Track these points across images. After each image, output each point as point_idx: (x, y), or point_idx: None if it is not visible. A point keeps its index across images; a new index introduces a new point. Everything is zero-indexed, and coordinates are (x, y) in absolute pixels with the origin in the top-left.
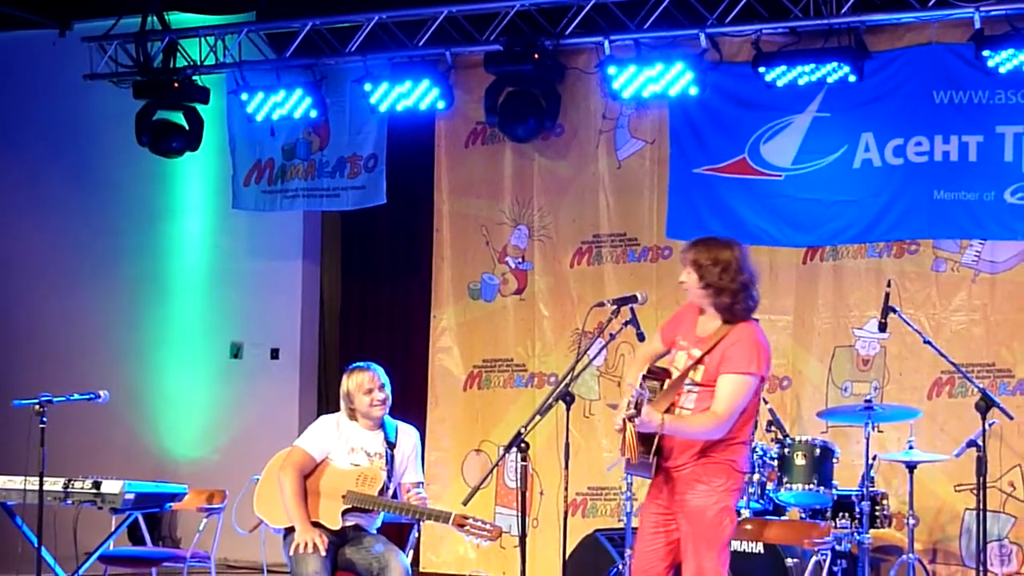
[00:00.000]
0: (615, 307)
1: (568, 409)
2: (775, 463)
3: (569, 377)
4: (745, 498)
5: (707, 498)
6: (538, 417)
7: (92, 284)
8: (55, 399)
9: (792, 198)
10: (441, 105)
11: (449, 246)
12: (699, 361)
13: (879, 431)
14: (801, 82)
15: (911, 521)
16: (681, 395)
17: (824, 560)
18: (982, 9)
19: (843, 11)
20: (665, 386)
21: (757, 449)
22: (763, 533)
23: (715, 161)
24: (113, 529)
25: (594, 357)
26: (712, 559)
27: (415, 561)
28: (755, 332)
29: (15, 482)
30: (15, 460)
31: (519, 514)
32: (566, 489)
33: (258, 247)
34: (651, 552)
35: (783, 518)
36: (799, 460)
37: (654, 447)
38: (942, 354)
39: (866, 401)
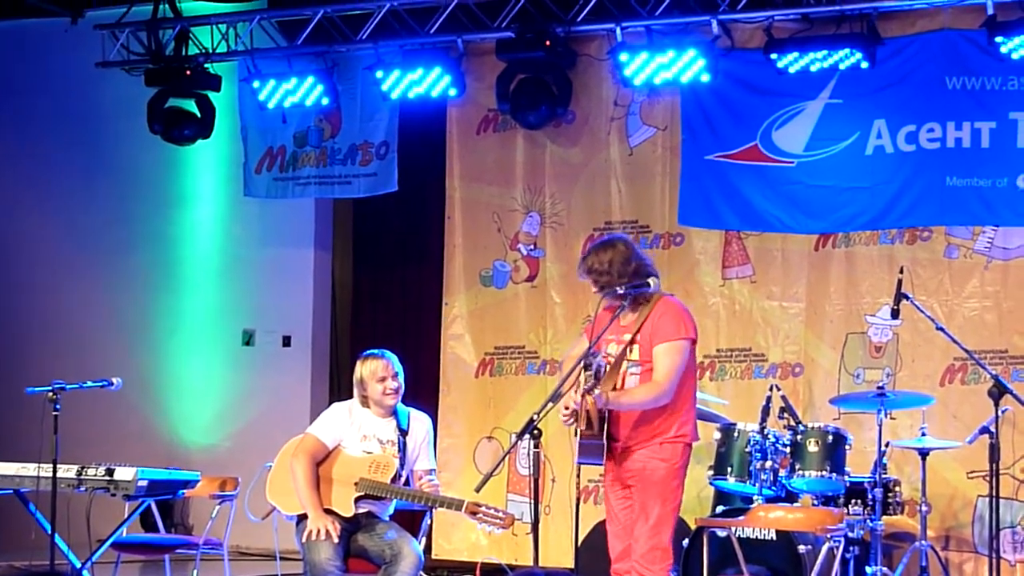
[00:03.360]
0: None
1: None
2: (788, 450)
3: (581, 365)
4: (758, 485)
5: (663, 471)
6: (550, 404)
7: (104, 272)
8: (68, 386)
9: (804, 185)
10: (453, 92)
11: (461, 233)
12: (632, 342)
13: (891, 418)
14: (813, 68)
15: (924, 508)
16: (624, 377)
17: (837, 547)
18: None
19: None
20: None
21: (770, 436)
22: (776, 520)
23: (727, 148)
24: (126, 516)
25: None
26: (665, 512)
27: (427, 548)
28: (674, 303)
29: (28, 469)
30: (28, 447)
31: (531, 501)
32: (578, 476)
33: (270, 234)
34: (624, 528)
35: (796, 505)
36: (812, 447)
37: (604, 428)
38: (955, 340)
39: (878, 388)
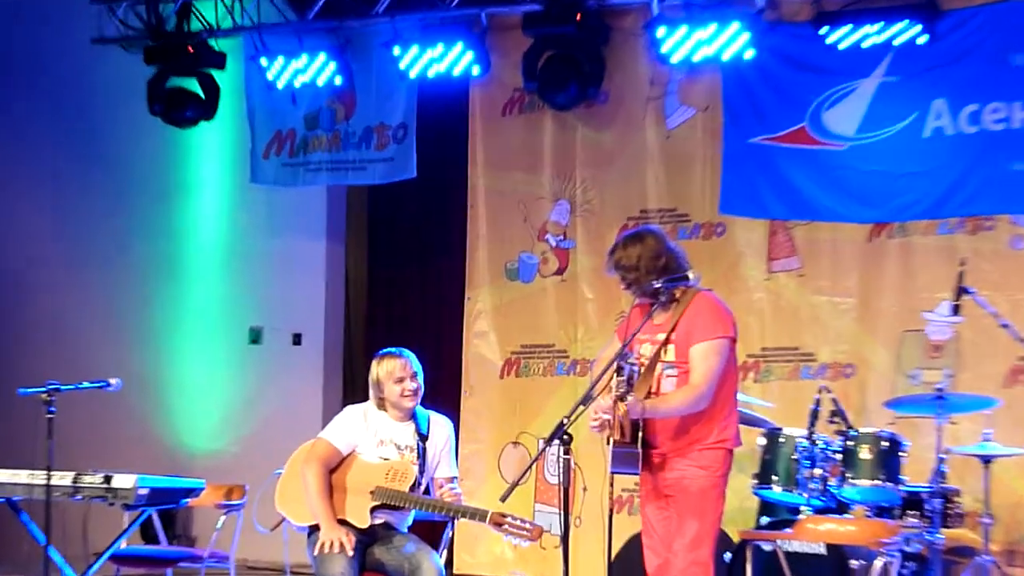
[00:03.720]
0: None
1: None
2: (838, 457)
3: (613, 368)
4: (806, 495)
5: (702, 480)
6: (581, 407)
7: (101, 265)
8: (63, 387)
9: (856, 170)
10: (476, 71)
11: (484, 223)
12: (667, 341)
13: (952, 422)
14: (866, 44)
15: (986, 520)
16: (660, 380)
17: (892, 562)
18: None
19: None
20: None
21: (819, 442)
22: (826, 533)
23: (772, 130)
24: (125, 527)
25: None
26: (706, 525)
27: (448, 562)
28: (711, 298)
29: (21, 476)
30: (21, 453)
31: (561, 512)
32: (611, 485)
33: (278, 225)
34: (661, 542)
35: (847, 516)
36: (864, 454)
37: (639, 436)
38: (1021, 339)
39: (937, 389)
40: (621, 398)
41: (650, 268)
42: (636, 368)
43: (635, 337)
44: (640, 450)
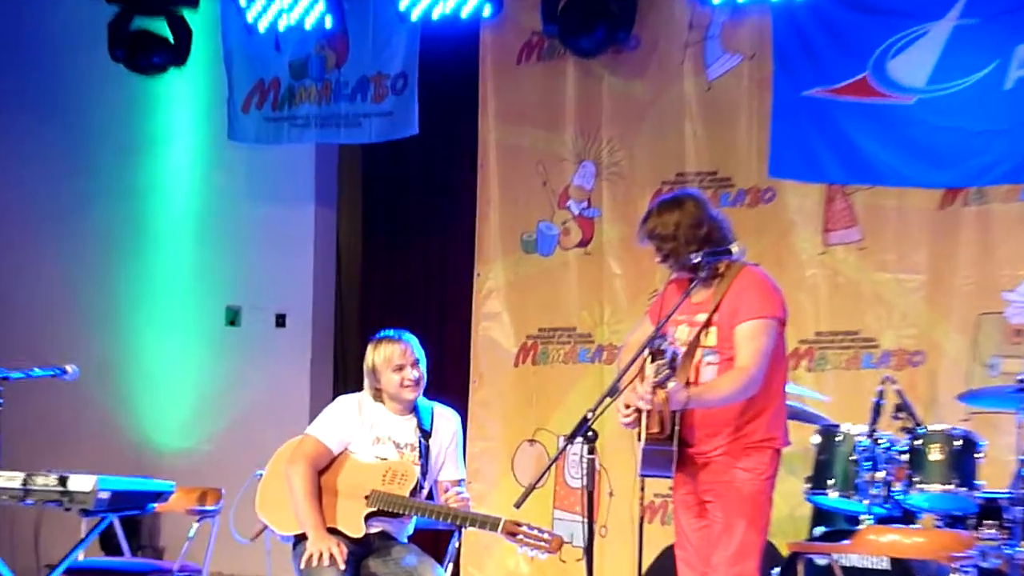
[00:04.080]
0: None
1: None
2: (904, 458)
3: (646, 352)
4: (867, 501)
5: (747, 484)
6: (608, 400)
7: (55, 234)
8: (12, 375)
9: (927, 126)
10: (487, 11)
11: (497, 188)
12: (708, 324)
13: None
14: None
15: None
16: (699, 368)
17: None
18: None
19: None
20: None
21: (882, 441)
22: (889, 545)
23: (830, 81)
24: (83, 535)
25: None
26: (752, 535)
27: None
28: (759, 274)
29: None
30: None
31: (584, 520)
32: (642, 490)
33: (260, 188)
34: (698, 555)
35: (914, 527)
36: (934, 455)
37: (675, 432)
38: None
39: (1019, 381)
40: (662, 384)
41: (690, 238)
42: (679, 350)
43: (670, 318)
44: (676, 448)
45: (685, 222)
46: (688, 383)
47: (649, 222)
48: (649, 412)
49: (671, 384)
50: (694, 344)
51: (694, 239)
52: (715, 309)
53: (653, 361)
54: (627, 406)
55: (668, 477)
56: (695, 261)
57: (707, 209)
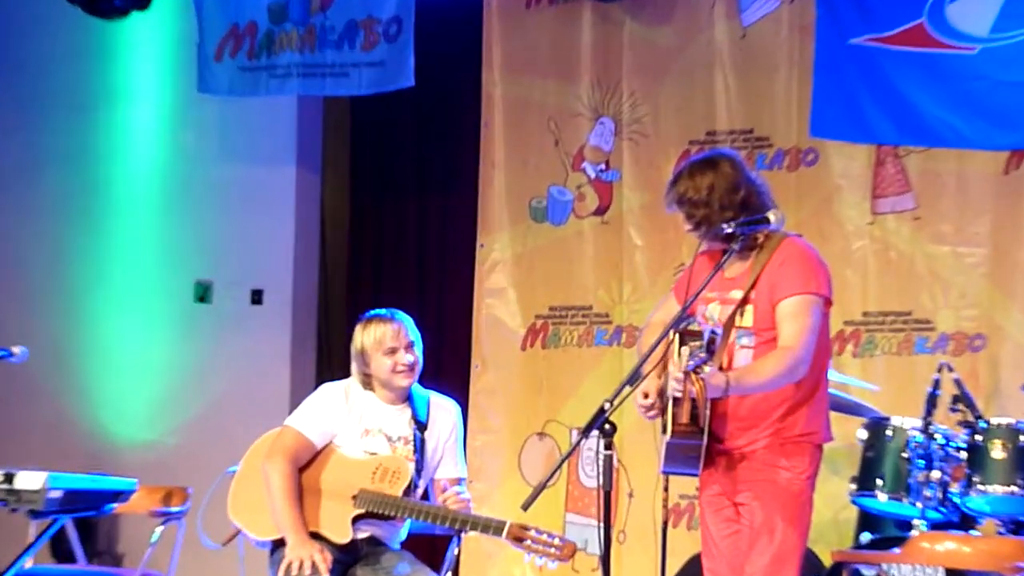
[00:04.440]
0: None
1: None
2: (963, 456)
3: (673, 334)
4: (920, 504)
5: (784, 484)
6: (628, 388)
7: (3, 200)
8: None
9: (990, 81)
10: None
11: (502, 147)
12: (744, 301)
13: None
14: None
15: None
16: (732, 352)
17: None
18: None
19: None
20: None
21: (938, 436)
22: (946, 554)
23: (881, 28)
24: (32, 540)
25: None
26: (792, 540)
27: None
28: (802, 246)
29: None
30: None
31: (601, 525)
32: (665, 490)
33: (234, 147)
34: (728, 564)
35: (973, 533)
36: (997, 452)
37: (706, 423)
38: None
39: None
40: (697, 368)
41: (725, 203)
42: (718, 330)
43: (700, 295)
44: (706, 441)
45: (720, 185)
46: (721, 368)
47: (679, 185)
48: (677, 400)
49: (707, 368)
50: (728, 324)
51: (730, 205)
52: (752, 285)
53: (683, 343)
54: (645, 395)
55: (694, 475)
56: (728, 231)
57: (744, 171)
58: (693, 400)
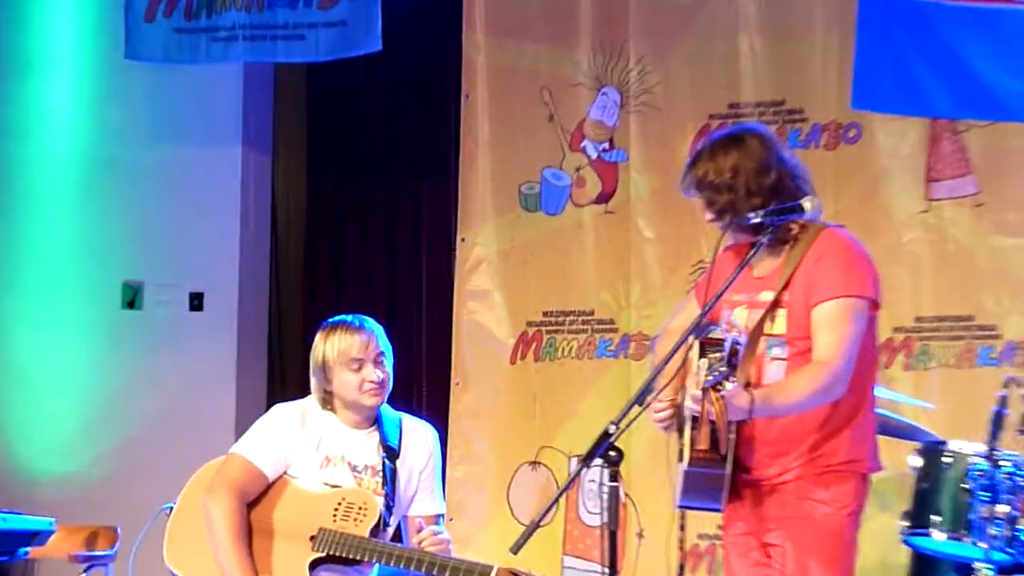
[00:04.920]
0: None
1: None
2: None
3: (691, 342)
4: (984, 544)
5: (824, 520)
6: (637, 408)
7: None
8: None
9: None
10: None
11: (488, 123)
12: (775, 305)
13: None
14: None
15: None
16: (762, 365)
17: None
18: None
19: None
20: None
21: (1005, 463)
22: None
23: None
24: None
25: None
26: None
27: None
28: (844, 239)
29: None
30: None
31: (605, 570)
32: (682, 528)
33: (169, 125)
34: None
35: None
36: None
37: (730, 450)
38: None
39: None
40: (717, 384)
41: (752, 188)
42: (741, 340)
43: (722, 296)
44: (730, 470)
45: (746, 166)
46: (748, 384)
47: (698, 167)
48: (695, 421)
49: (729, 385)
50: (756, 332)
51: (758, 190)
52: (785, 285)
53: (703, 354)
54: (658, 405)
55: (716, 510)
56: (755, 221)
57: (775, 150)
58: (712, 423)
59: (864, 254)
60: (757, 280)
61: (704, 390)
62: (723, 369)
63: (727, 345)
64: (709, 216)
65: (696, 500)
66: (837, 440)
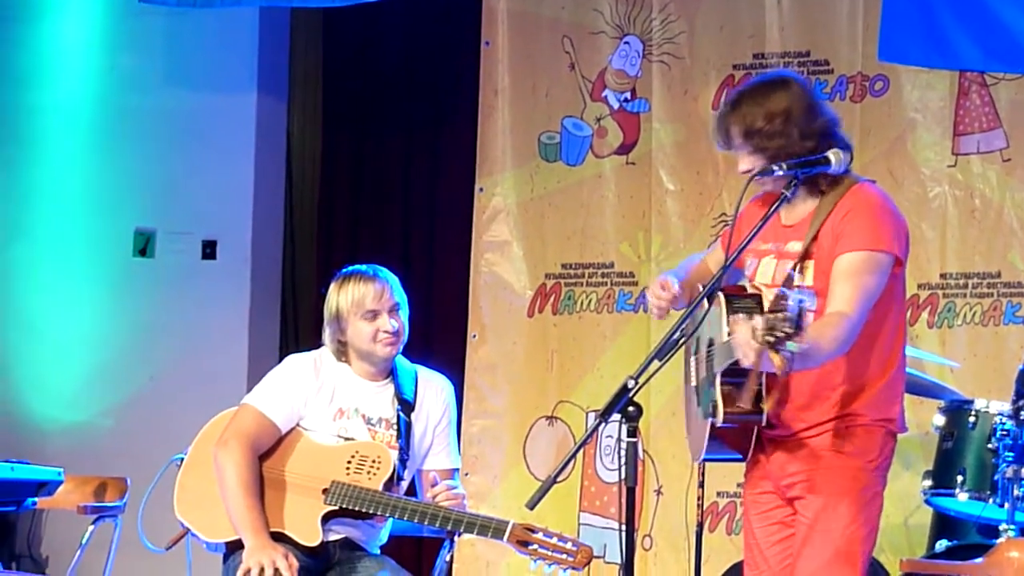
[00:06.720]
0: None
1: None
2: None
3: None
4: (1008, 505)
5: (849, 475)
6: (656, 362)
7: None
8: None
9: None
10: None
11: (507, 71)
12: (805, 256)
13: None
14: None
15: None
16: None
17: None
18: None
19: None
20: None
21: None
22: None
23: None
24: None
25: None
26: (856, 539)
27: None
28: (875, 193)
29: None
30: None
31: (622, 527)
32: (701, 485)
33: (183, 70)
34: (777, 573)
35: None
36: None
37: (763, 404)
38: None
39: None
40: (776, 346)
41: (806, 131)
42: (807, 298)
43: (749, 246)
44: (763, 419)
45: (797, 110)
46: None
47: (740, 112)
48: (734, 376)
49: (792, 345)
50: (786, 284)
51: (811, 134)
52: (814, 237)
53: (731, 307)
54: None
55: (739, 460)
56: (782, 172)
57: (816, 97)
58: (760, 382)
59: (894, 211)
60: (786, 229)
61: (768, 343)
62: (789, 330)
63: (792, 308)
64: (744, 167)
65: (720, 452)
66: (865, 394)
